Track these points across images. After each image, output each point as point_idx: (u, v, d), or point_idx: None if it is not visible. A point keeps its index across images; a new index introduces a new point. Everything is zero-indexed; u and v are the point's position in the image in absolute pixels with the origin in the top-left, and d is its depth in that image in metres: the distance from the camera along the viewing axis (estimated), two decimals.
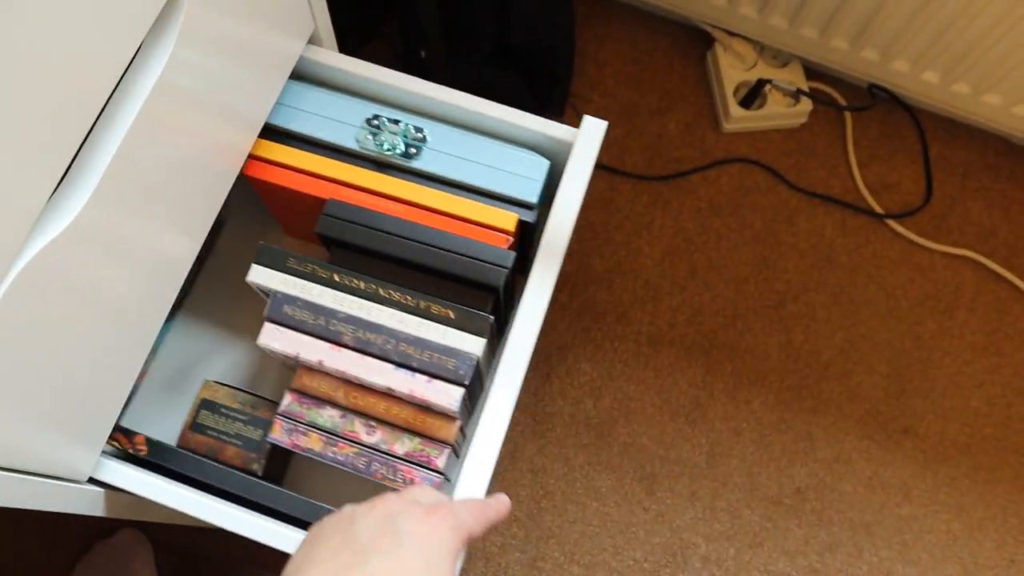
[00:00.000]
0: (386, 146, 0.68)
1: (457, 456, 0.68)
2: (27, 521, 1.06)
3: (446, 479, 0.65)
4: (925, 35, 1.10)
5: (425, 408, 0.63)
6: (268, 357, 0.78)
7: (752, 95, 1.22)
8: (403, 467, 0.62)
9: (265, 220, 0.85)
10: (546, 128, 0.69)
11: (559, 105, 1.22)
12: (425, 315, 0.62)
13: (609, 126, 1.26)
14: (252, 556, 1.06)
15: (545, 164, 0.68)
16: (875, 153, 1.29)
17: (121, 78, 0.47)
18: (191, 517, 0.60)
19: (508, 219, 0.66)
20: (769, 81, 1.20)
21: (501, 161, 0.68)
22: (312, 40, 0.73)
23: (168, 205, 0.55)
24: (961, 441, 1.17)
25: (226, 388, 0.72)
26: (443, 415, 0.63)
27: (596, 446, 1.13)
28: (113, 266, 0.51)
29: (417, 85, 0.70)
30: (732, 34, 1.24)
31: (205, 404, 0.72)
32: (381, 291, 0.63)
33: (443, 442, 0.63)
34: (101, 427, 0.59)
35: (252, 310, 0.81)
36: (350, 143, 0.69)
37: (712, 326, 1.20)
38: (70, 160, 0.45)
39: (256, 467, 0.70)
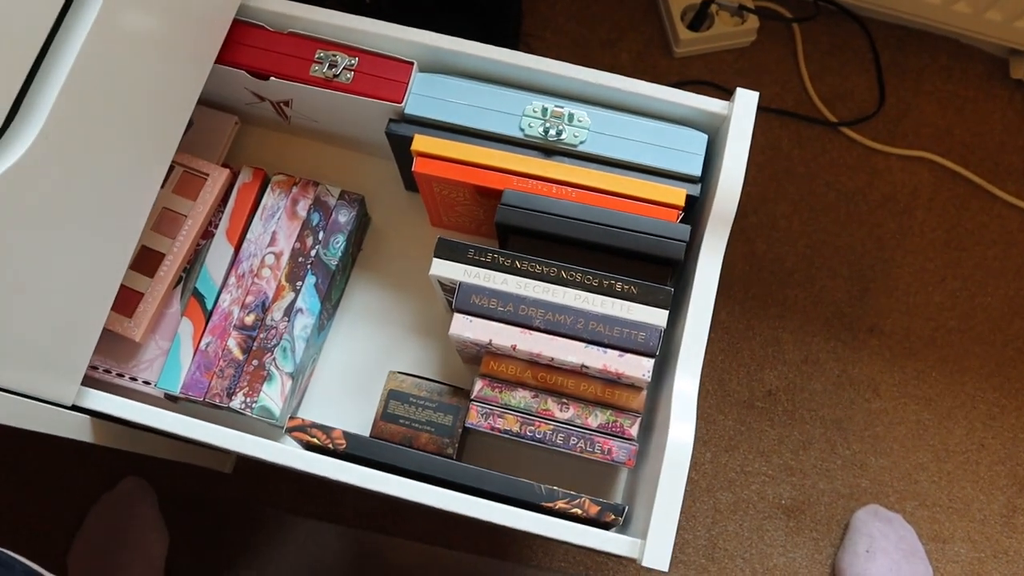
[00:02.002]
0: (552, 132, 0.71)
1: None
2: (34, 482, 1.12)
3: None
4: None
5: (612, 381, 0.67)
6: (438, 346, 0.82)
7: (699, 17, 1.24)
8: (599, 439, 0.66)
9: (405, 212, 0.86)
10: (698, 102, 0.71)
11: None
12: (609, 292, 0.66)
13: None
14: (256, 497, 1.12)
15: (704, 138, 0.71)
16: (826, 65, 1.32)
17: (61, 17, 0.51)
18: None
19: (676, 195, 0.69)
20: (713, 1, 1.23)
21: (661, 138, 0.71)
22: None
23: (126, 131, 0.59)
24: (926, 335, 1.21)
25: (411, 378, 0.75)
26: (630, 386, 0.67)
27: None
28: (75, 191, 0.55)
29: (571, 71, 0.72)
30: None
31: (393, 394, 0.75)
32: (564, 273, 0.66)
33: (634, 412, 0.67)
34: (79, 353, 0.64)
35: (411, 303, 0.83)
36: (514, 132, 0.72)
37: None
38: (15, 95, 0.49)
39: (451, 451, 0.73)
